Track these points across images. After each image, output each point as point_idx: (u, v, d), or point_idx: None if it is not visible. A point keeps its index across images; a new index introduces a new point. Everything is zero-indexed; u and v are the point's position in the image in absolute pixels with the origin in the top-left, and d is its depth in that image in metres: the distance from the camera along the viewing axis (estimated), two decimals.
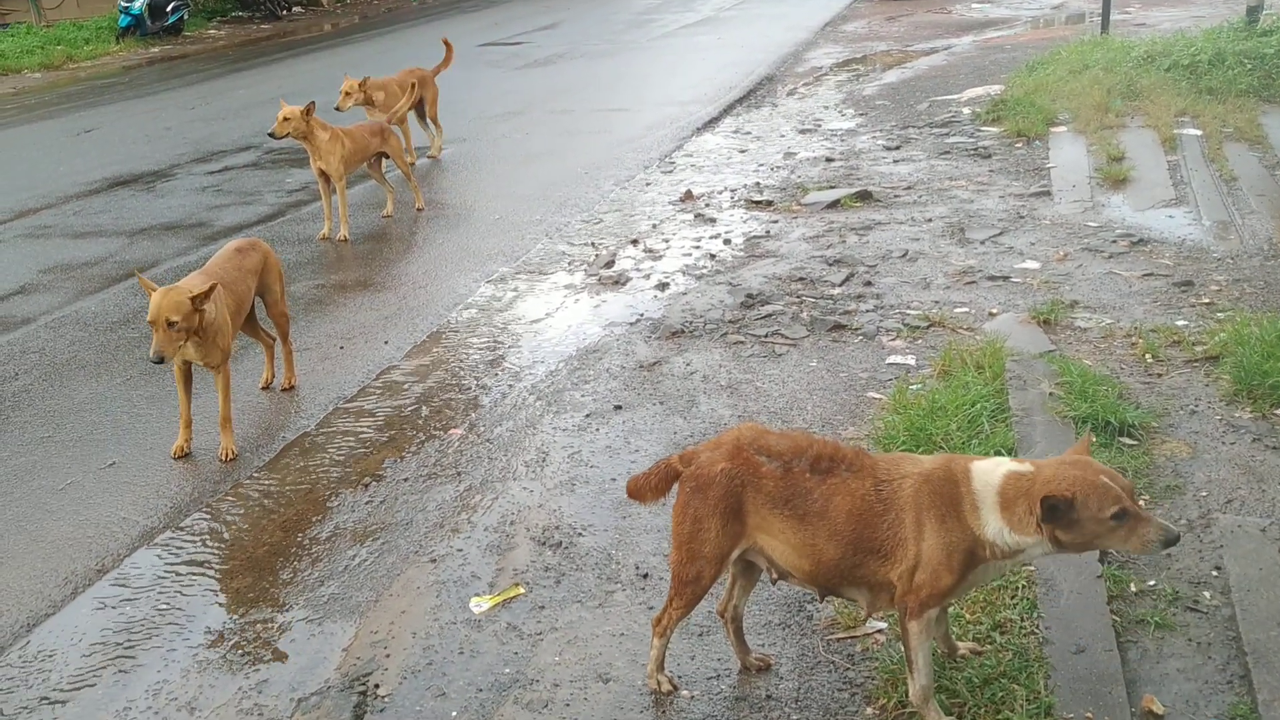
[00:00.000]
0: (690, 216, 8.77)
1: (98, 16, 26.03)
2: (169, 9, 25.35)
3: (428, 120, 11.42)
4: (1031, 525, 2.87)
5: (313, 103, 8.49)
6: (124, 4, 24.77)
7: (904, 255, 7.38)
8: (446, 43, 11.52)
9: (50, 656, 3.92)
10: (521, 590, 4.09)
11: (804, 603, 3.88)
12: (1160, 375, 5.36)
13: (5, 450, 5.52)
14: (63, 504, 4.98)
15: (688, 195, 9.33)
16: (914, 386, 5.36)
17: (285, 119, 8.32)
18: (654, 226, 8.58)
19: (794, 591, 3.91)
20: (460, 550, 4.38)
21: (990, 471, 2.98)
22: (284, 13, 29.60)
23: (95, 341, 6.91)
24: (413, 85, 10.12)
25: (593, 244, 8.26)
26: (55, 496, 5.04)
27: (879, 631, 3.70)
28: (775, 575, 3.29)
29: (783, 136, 11.44)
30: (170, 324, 4.84)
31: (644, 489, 3.37)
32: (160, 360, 4.86)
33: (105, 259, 8.63)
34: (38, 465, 5.35)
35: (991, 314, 6.27)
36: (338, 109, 9.86)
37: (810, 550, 3.09)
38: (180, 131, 13.99)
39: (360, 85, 9.90)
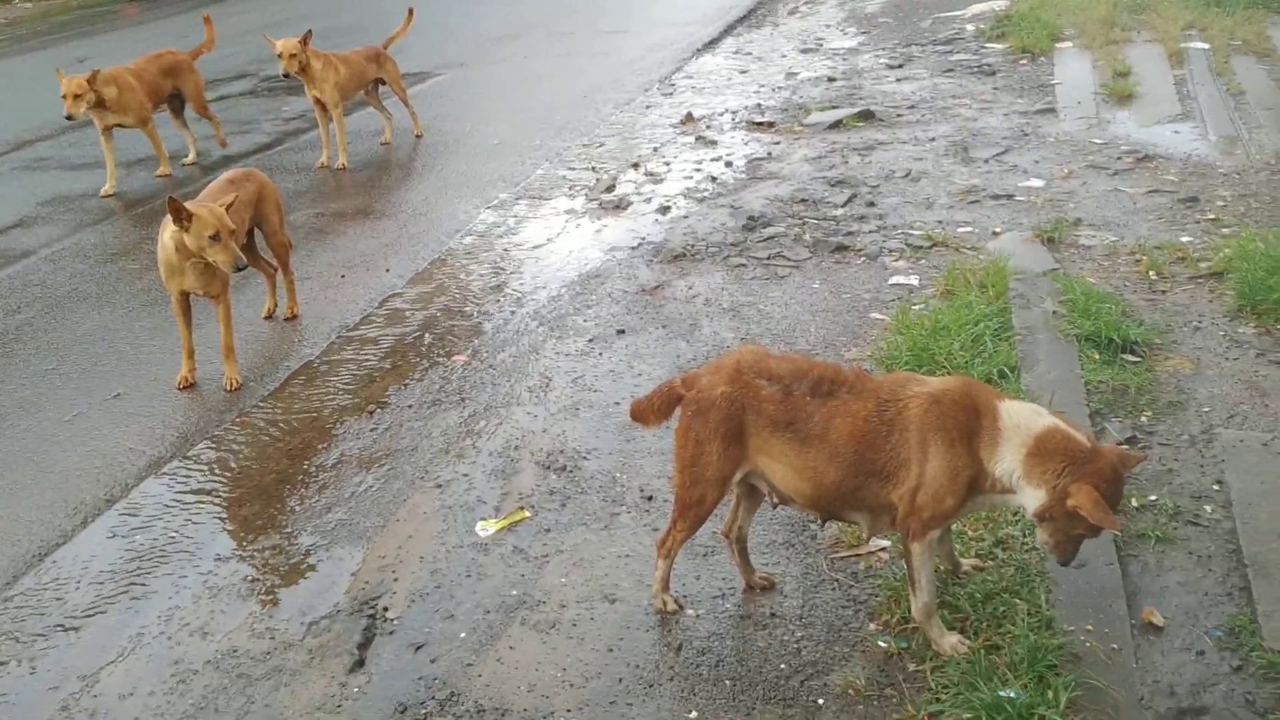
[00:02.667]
0: (691, 139, 8.69)
1: None
2: None
3: (185, 118, 9.25)
4: (1049, 488, 2.87)
5: (309, 31, 8.39)
6: None
7: (907, 175, 7.32)
8: (207, 19, 9.56)
9: (63, 585, 3.96)
10: (527, 514, 4.12)
11: (807, 523, 3.91)
12: (1164, 292, 5.35)
13: (10, 383, 5.53)
14: (70, 435, 5.00)
15: (688, 118, 9.24)
16: (917, 307, 5.35)
17: (292, 55, 8.18)
18: (655, 150, 8.51)
19: (797, 513, 3.94)
20: (466, 475, 4.41)
21: (1028, 417, 2.95)
22: None
23: (95, 274, 6.89)
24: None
25: (593, 168, 8.19)
26: (62, 428, 5.07)
27: (882, 550, 3.73)
28: (776, 500, 3.31)
29: (784, 56, 11.30)
30: (232, 233, 4.97)
31: (646, 411, 3.38)
32: (242, 268, 5.01)
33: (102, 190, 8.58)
34: (43, 397, 5.37)
35: (995, 233, 6.24)
36: (68, 117, 7.96)
37: (811, 473, 3.10)
38: None
39: (90, 81, 7.96)
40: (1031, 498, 2.91)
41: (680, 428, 3.25)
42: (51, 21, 18.68)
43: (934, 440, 2.97)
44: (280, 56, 8.19)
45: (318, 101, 8.52)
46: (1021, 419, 2.94)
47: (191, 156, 9.24)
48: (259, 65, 12.82)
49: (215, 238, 4.88)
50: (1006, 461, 2.92)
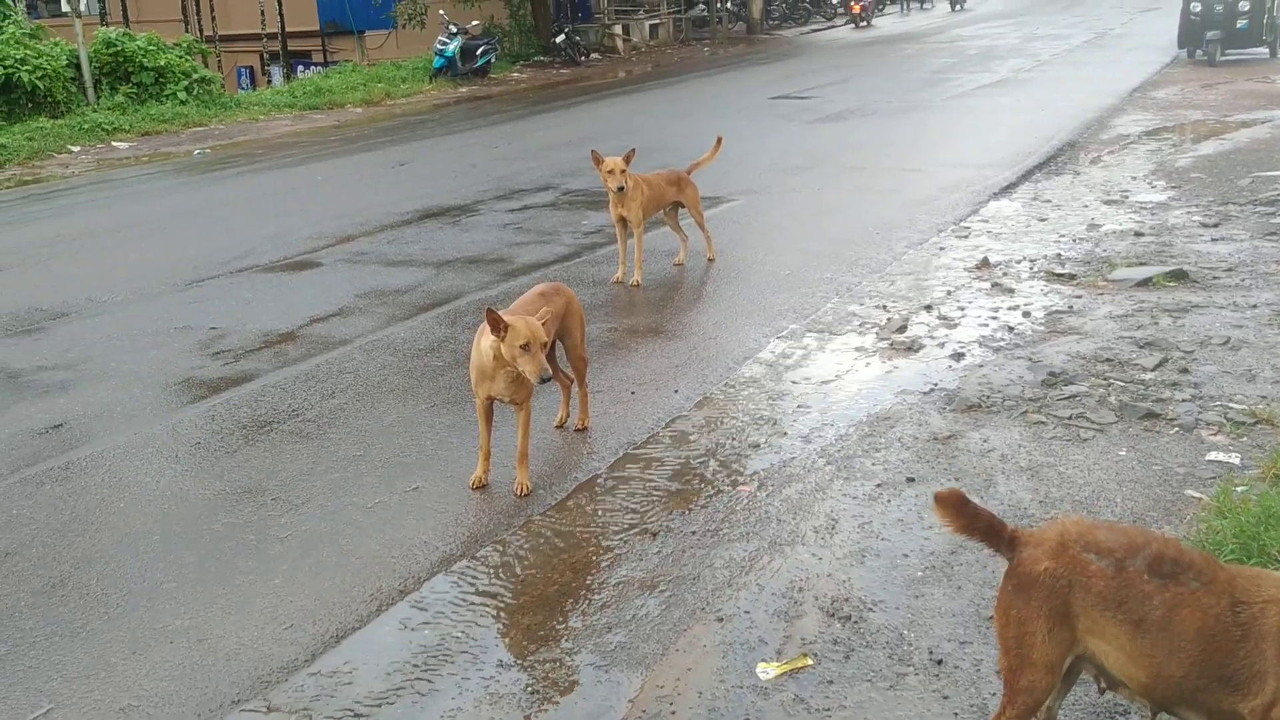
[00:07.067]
0: (986, 285, 8.48)
1: (414, 57, 28.07)
2: (479, 52, 27.08)
3: None
4: None
5: (633, 150, 8.78)
6: (439, 47, 26.59)
7: (1225, 343, 6.87)
8: None
9: (356, 670, 4.11)
10: (810, 661, 4.00)
11: (1115, 713, 3.61)
12: None
13: (323, 464, 5.88)
14: (371, 522, 5.24)
15: (984, 263, 9.04)
16: (1240, 489, 4.95)
17: (622, 172, 8.54)
18: (948, 293, 8.34)
19: (1103, 700, 3.65)
20: (747, 612, 4.33)
21: None
22: (583, 59, 30.91)
23: (404, 367, 7.30)
24: None
25: (884, 306, 8.10)
26: (364, 514, 5.32)
27: None
28: (1104, 685, 3.07)
29: (1085, 206, 10.94)
30: (543, 345, 5.13)
31: (961, 516, 3.09)
32: (546, 379, 5.13)
33: (415, 288, 9.14)
34: (350, 482, 5.67)
35: None
36: None
37: (1149, 663, 2.85)
38: (484, 169, 14.74)
39: None
40: None
41: (1000, 604, 3.06)
42: (377, 126, 20.35)
43: None
44: (612, 173, 8.54)
45: (621, 219, 8.83)
46: None
47: None
48: (561, 179, 13.51)
49: (526, 348, 5.07)
50: None
